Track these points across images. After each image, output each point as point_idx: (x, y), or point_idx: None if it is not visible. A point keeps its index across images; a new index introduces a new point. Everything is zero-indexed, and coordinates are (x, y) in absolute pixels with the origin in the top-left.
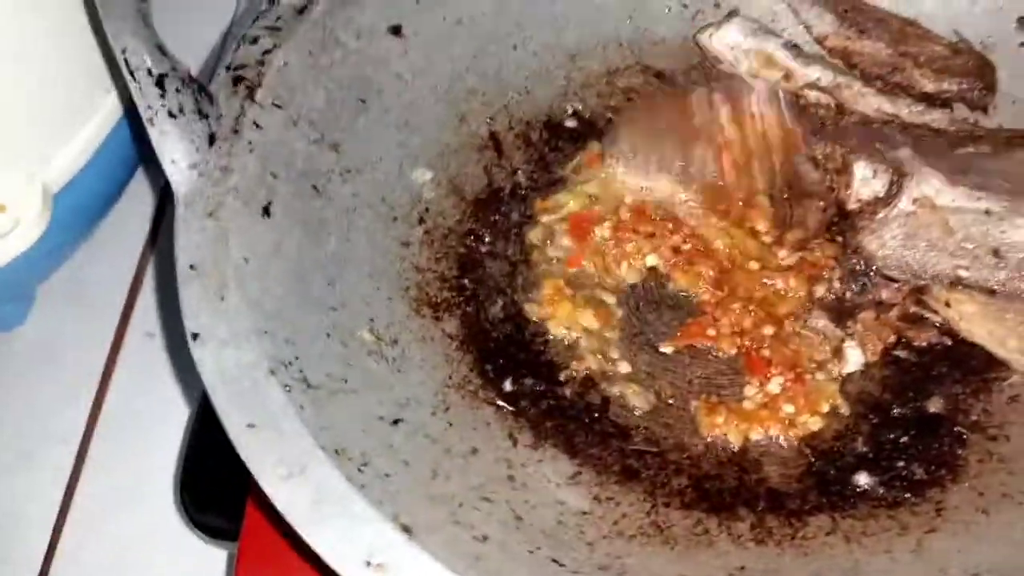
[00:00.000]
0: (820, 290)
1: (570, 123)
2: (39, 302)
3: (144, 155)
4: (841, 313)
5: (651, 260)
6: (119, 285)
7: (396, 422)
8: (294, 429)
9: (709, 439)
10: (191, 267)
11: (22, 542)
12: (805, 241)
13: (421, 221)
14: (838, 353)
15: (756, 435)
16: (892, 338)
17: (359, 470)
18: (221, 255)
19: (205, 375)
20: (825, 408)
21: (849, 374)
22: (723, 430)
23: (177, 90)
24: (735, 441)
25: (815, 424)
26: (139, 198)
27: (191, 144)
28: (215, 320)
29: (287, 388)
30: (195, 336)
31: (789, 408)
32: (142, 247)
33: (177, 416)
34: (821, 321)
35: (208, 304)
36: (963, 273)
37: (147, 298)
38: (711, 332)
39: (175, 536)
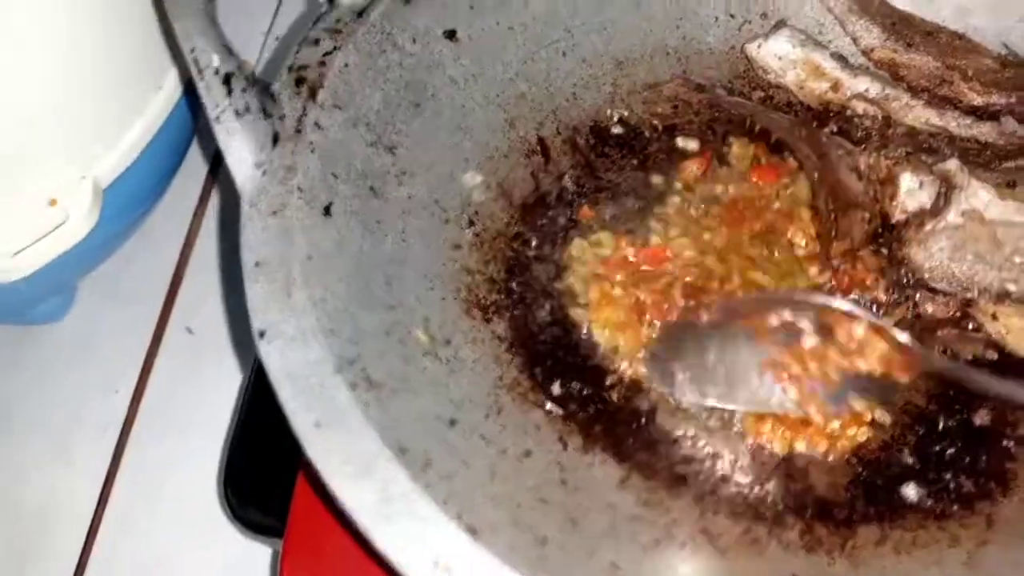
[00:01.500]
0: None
1: (616, 130)
2: (80, 295)
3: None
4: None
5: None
6: (160, 279)
7: (453, 423)
8: (361, 428)
9: (755, 447)
10: (257, 264)
11: (59, 536)
12: (851, 252)
13: (471, 224)
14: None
15: (800, 445)
16: (938, 350)
17: (423, 470)
18: (287, 253)
19: (272, 372)
20: (869, 418)
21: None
22: (769, 438)
23: (243, 89)
24: (780, 450)
25: (862, 436)
26: (182, 193)
27: (256, 143)
28: (282, 317)
29: (353, 386)
30: (262, 333)
31: (835, 423)
32: (183, 242)
33: (217, 411)
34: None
35: (275, 301)
36: (1011, 287)
37: (187, 293)
38: None
39: (217, 532)
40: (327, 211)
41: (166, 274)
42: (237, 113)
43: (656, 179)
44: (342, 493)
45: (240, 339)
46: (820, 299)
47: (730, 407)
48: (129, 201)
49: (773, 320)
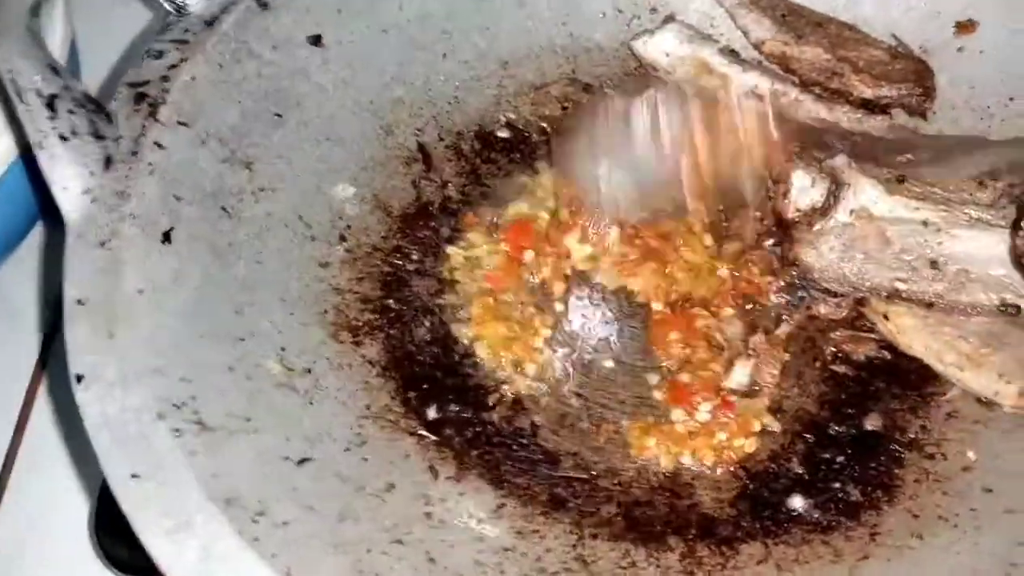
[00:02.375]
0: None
1: (503, 133)
2: None
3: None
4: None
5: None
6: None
7: (303, 462)
8: (182, 478)
9: (641, 463)
10: (78, 302)
11: None
12: (742, 253)
13: (342, 239)
14: (729, 367)
15: (687, 459)
16: (830, 352)
17: (253, 520)
18: (112, 288)
19: (88, 420)
20: (757, 427)
21: (787, 392)
22: (655, 452)
23: (70, 111)
24: (667, 464)
25: (750, 446)
26: None
27: (84, 168)
28: (103, 360)
29: (177, 433)
30: (79, 378)
31: (722, 435)
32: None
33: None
34: (733, 329)
35: (96, 342)
36: (901, 285)
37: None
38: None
39: (91, 572)
40: (167, 238)
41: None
42: (62, 137)
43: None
44: (157, 550)
45: None
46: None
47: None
48: None
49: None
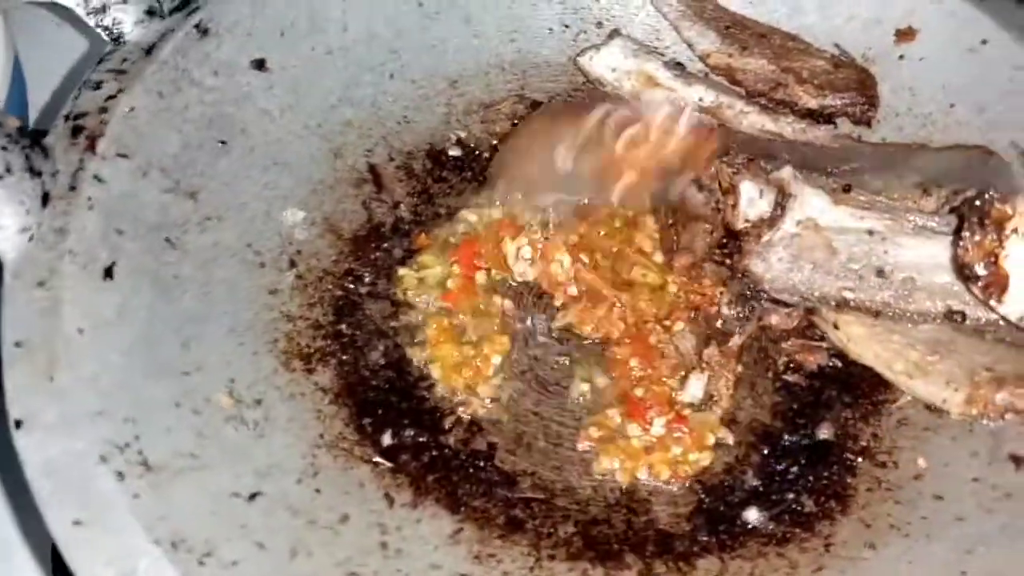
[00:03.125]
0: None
1: (454, 152)
2: None
3: None
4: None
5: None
6: None
7: (253, 496)
8: (125, 523)
9: (598, 479)
10: (17, 344)
11: None
12: (694, 266)
13: (292, 265)
14: (684, 381)
15: (643, 475)
16: (782, 363)
17: (200, 562)
18: (51, 329)
19: (28, 467)
20: (711, 440)
21: (741, 403)
22: (611, 467)
23: (3, 148)
24: (623, 480)
25: (705, 459)
26: None
27: (20, 206)
28: (42, 404)
29: (120, 476)
30: (19, 424)
31: (677, 449)
32: None
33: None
34: (686, 343)
35: (36, 385)
36: (848, 295)
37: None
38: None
39: None
40: (108, 273)
41: None
42: None
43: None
44: None
45: None
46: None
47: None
48: None
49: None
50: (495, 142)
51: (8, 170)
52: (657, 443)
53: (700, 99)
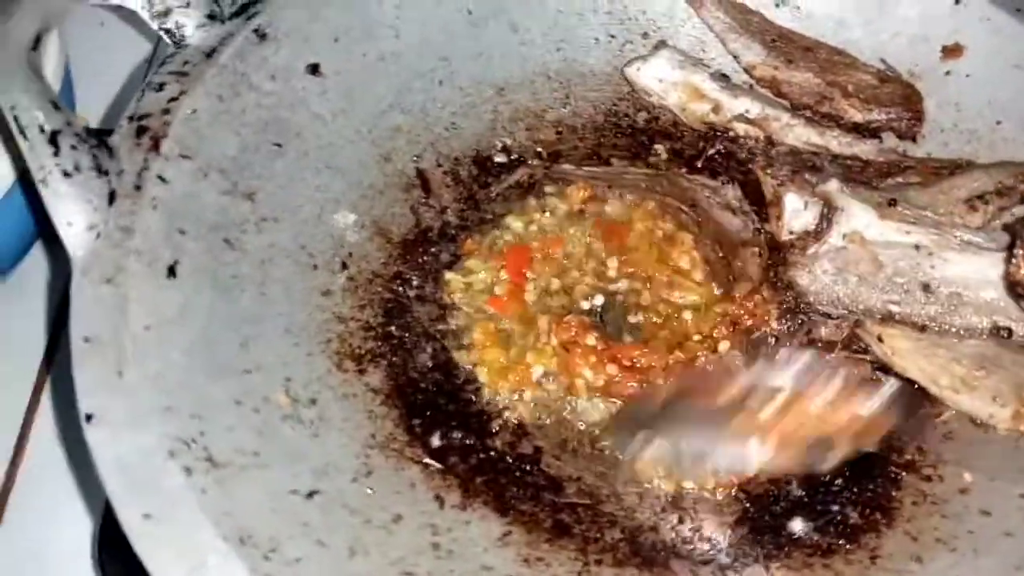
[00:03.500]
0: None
1: (499, 158)
2: None
3: (44, 230)
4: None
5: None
6: (35, 340)
7: (311, 495)
8: (194, 518)
9: (644, 487)
10: (86, 340)
11: None
12: (755, 292)
13: (344, 267)
14: None
15: (688, 483)
16: None
17: (266, 558)
18: (119, 325)
19: (99, 462)
20: None
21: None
22: (654, 474)
23: (73, 147)
24: (668, 488)
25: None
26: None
27: (88, 204)
28: (112, 399)
29: (188, 471)
30: (89, 418)
31: None
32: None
33: (93, 475)
34: (734, 362)
35: (105, 381)
36: (894, 308)
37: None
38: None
39: None
40: (171, 272)
41: (42, 325)
42: (65, 173)
43: (544, 205)
44: None
45: None
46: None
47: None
48: None
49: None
50: (539, 149)
51: (77, 168)
52: None
53: (746, 111)
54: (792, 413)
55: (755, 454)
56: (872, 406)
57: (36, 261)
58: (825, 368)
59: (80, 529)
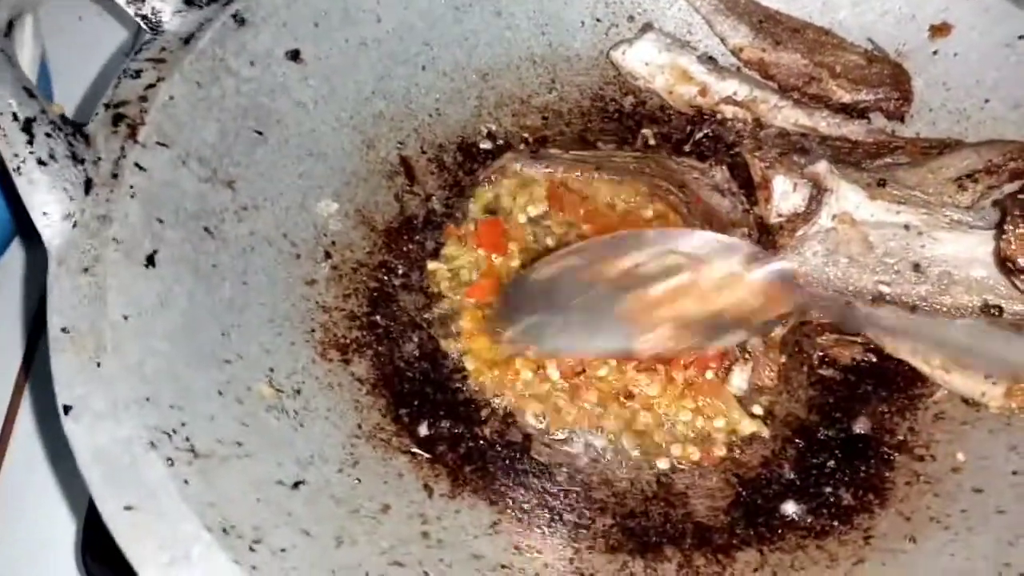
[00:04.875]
0: None
1: (485, 144)
2: None
3: (22, 227)
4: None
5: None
6: (16, 328)
7: (297, 485)
8: (177, 509)
9: (635, 471)
10: (63, 330)
11: None
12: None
13: (327, 256)
14: (727, 372)
15: (676, 451)
16: (817, 357)
17: (251, 548)
18: (97, 315)
19: (78, 453)
20: (748, 431)
21: (776, 397)
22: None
23: (48, 135)
24: (661, 464)
25: (735, 430)
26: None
27: (64, 193)
28: (90, 390)
29: (169, 462)
30: (67, 409)
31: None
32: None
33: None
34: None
35: (82, 372)
36: (885, 289)
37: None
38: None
39: None
40: (150, 261)
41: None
42: (40, 162)
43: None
44: None
45: None
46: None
47: (590, 353)
48: None
49: (625, 263)
50: (525, 135)
51: (52, 157)
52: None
53: (734, 93)
54: (685, 291)
55: (643, 336)
56: (757, 276)
57: (14, 259)
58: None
59: (63, 529)
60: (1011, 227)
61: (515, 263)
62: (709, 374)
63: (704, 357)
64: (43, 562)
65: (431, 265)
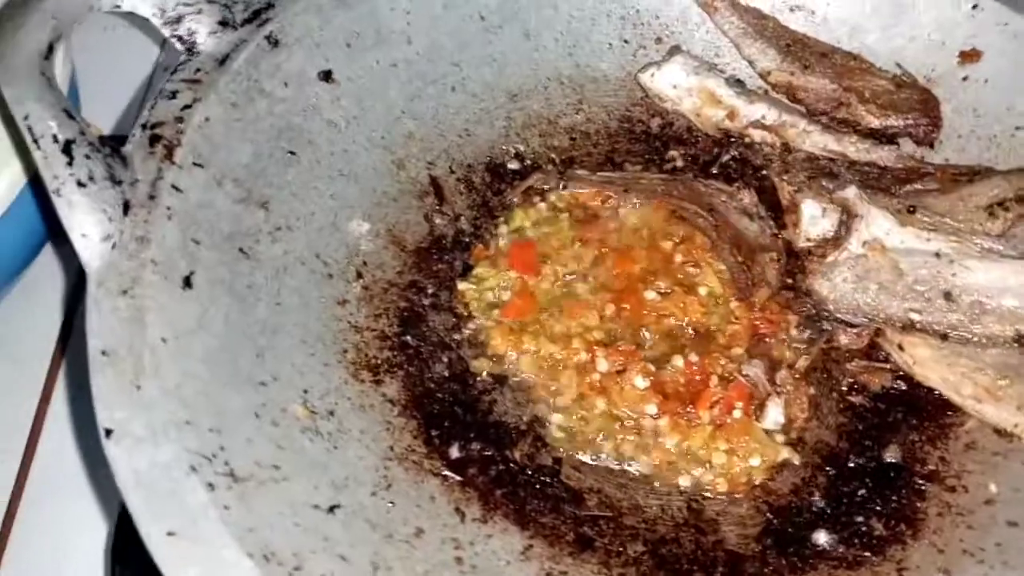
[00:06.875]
0: (773, 338)
1: (513, 165)
2: None
3: (54, 232)
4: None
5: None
6: (45, 341)
7: (332, 509)
8: (218, 535)
9: (665, 498)
10: (103, 353)
11: None
12: (773, 296)
13: (359, 276)
14: (761, 409)
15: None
16: (847, 383)
17: (291, 575)
18: (137, 338)
19: (119, 477)
20: (779, 458)
21: (806, 424)
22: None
23: (87, 156)
24: (685, 482)
25: (757, 467)
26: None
27: (103, 215)
28: (131, 413)
29: (210, 487)
30: (108, 432)
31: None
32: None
33: (108, 480)
34: (755, 370)
35: (123, 395)
36: (915, 316)
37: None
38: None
39: None
40: (187, 283)
41: (51, 337)
42: (80, 183)
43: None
44: None
45: None
46: None
47: None
48: None
49: None
50: (553, 156)
51: (91, 178)
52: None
53: (762, 116)
54: None
55: None
56: None
57: (47, 264)
58: None
59: (93, 536)
60: None
61: (547, 285)
62: (737, 413)
63: (729, 396)
64: (71, 566)
65: (461, 285)
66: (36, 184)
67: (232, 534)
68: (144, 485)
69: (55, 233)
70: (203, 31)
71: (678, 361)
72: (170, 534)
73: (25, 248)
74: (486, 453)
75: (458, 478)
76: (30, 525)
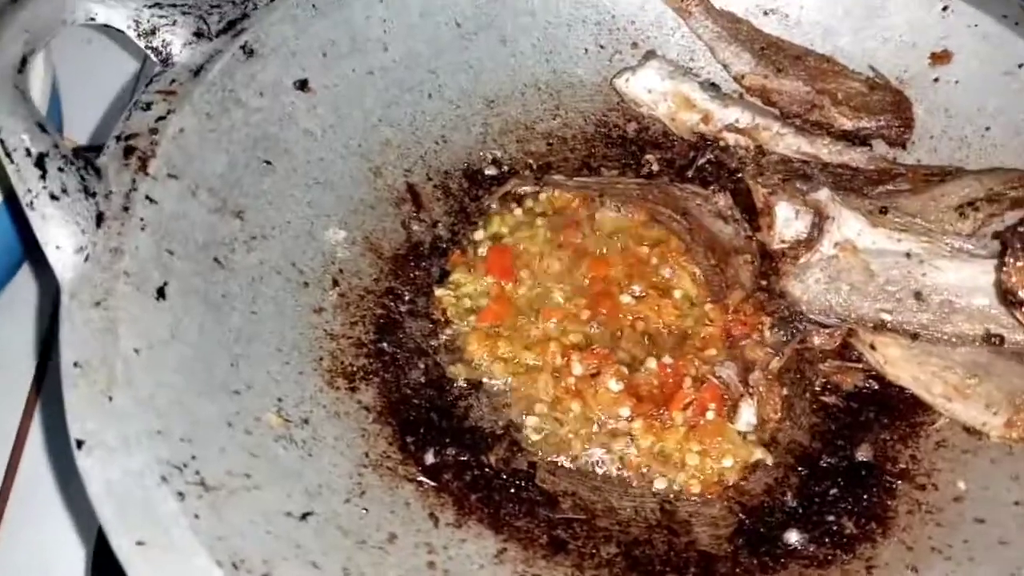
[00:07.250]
0: (746, 340)
1: (490, 171)
2: None
3: (31, 250)
4: (756, 365)
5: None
6: (26, 359)
7: (305, 516)
8: (188, 544)
9: (638, 500)
10: (75, 364)
11: None
12: (747, 298)
13: (335, 284)
14: (734, 410)
15: (680, 477)
16: (820, 383)
17: None
18: (110, 349)
19: (91, 488)
20: (753, 459)
21: (779, 424)
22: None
23: (60, 169)
24: (660, 485)
25: (729, 467)
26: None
27: (76, 227)
28: (102, 424)
29: (180, 496)
30: (80, 444)
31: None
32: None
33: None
34: (728, 372)
35: (94, 406)
36: (886, 316)
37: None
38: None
39: None
40: (161, 294)
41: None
42: (53, 196)
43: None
44: None
45: None
46: None
47: None
48: None
49: None
50: (530, 161)
51: (64, 191)
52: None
53: (736, 120)
54: None
55: None
56: None
57: (24, 282)
58: None
59: (74, 552)
60: (1011, 260)
61: (524, 290)
62: (710, 414)
63: (702, 398)
64: None
65: (438, 292)
66: (12, 203)
67: (202, 543)
68: (115, 495)
69: (33, 251)
70: (178, 42)
71: (652, 363)
72: (140, 543)
73: (2, 268)
74: (461, 458)
75: (433, 484)
76: (12, 542)
